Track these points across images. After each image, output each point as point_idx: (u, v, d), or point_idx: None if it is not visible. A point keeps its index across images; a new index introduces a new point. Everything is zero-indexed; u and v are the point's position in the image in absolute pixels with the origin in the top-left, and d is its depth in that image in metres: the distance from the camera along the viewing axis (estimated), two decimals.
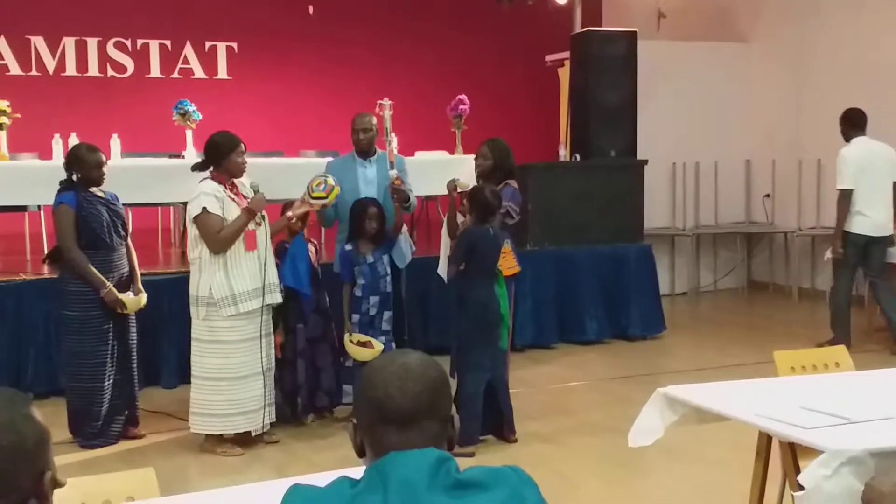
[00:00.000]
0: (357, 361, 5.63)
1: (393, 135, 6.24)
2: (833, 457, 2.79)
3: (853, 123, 7.61)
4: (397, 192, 5.88)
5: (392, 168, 5.96)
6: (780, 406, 3.19)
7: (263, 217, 5.36)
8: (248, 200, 5.25)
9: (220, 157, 5.24)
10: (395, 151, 6.16)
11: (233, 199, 5.22)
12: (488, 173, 5.92)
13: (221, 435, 5.35)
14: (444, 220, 5.84)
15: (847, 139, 7.65)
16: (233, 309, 5.18)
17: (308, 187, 5.57)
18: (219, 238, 5.15)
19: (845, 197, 7.47)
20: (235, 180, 5.33)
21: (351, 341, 5.65)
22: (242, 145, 5.30)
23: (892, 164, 7.56)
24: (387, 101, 6.12)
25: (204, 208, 5.11)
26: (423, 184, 7.45)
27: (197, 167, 5.36)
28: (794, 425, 3.02)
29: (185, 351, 6.77)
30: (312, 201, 5.53)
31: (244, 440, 5.40)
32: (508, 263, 5.70)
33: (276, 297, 5.36)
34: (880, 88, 9.32)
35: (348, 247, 5.80)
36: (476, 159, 6.04)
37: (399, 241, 6.03)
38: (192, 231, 5.24)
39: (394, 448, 1.71)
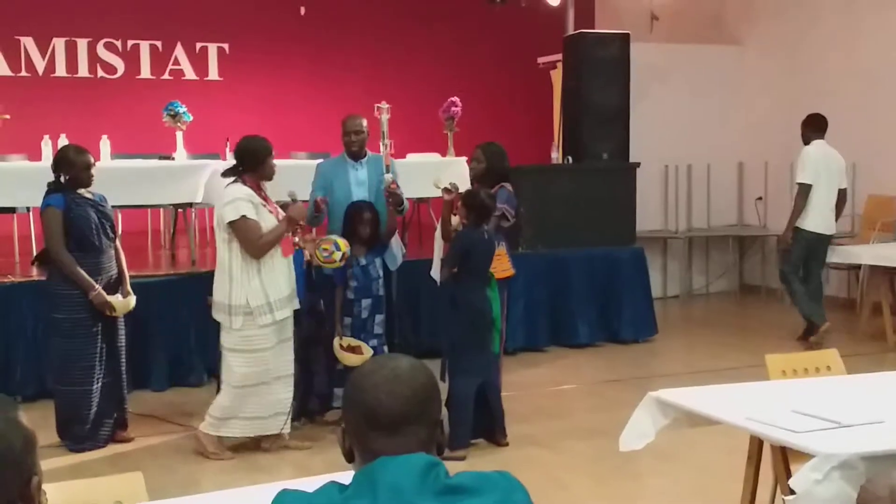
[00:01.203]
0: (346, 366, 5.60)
1: (389, 139, 6.24)
2: (824, 461, 2.79)
3: (816, 127, 8.03)
4: (393, 195, 5.86)
5: (388, 171, 5.95)
6: (771, 410, 3.20)
7: (301, 225, 5.38)
8: (289, 209, 5.23)
9: (258, 162, 5.19)
10: (391, 155, 6.15)
11: (264, 205, 5.19)
12: (481, 176, 5.92)
13: (220, 438, 5.30)
14: (438, 222, 5.83)
15: (807, 141, 8.04)
16: (269, 317, 5.13)
17: (317, 250, 5.48)
18: (260, 244, 5.09)
19: (805, 191, 7.88)
20: (262, 184, 5.28)
21: (341, 345, 5.62)
22: (273, 149, 5.31)
23: (841, 171, 8.02)
24: (385, 105, 6.11)
25: (243, 216, 5.06)
26: (415, 186, 7.43)
27: (230, 172, 5.26)
28: (786, 429, 3.03)
29: (174, 354, 6.81)
30: (322, 264, 5.50)
31: (265, 446, 5.38)
32: (503, 266, 5.69)
33: (296, 303, 5.35)
34: (872, 91, 9.34)
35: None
36: (470, 163, 6.03)
37: (391, 243, 6.02)
38: (221, 235, 5.15)
39: (383, 453, 1.71)
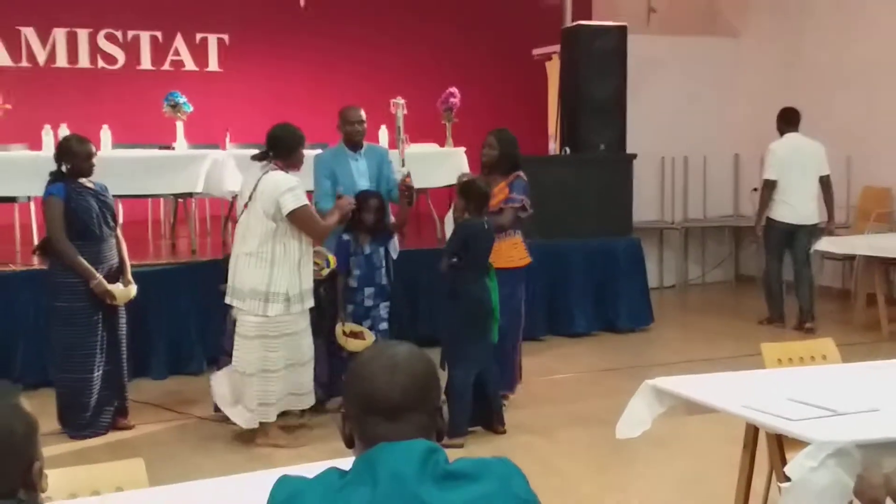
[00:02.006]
0: (348, 352, 5.63)
1: (405, 134, 6.26)
2: (819, 448, 2.81)
3: (788, 121, 8.21)
4: (408, 189, 5.88)
5: (403, 165, 5.97)
6: (766, 398, 3.22)
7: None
8: (339, 201, 5.40)
9: (292, 150, 5.22)
10: (406, 150, 6.18)
11: None
12: (494, 164, 5.91)
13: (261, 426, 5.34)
14: (451, 208, 5.85)
15: (781, 134, 8.21)
16: (299, 306, 5.21)
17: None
18: (323, 228, 5.24)
19: (768, 187, 8.17)
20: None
21: (343, 332, 5.65)
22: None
23: (820, 160, 8.16)
24: (401, 101, 6.13)
25: (305, 204, 5.12)
26: (415, 176, 7.44)
27: (259, 157, 5.29)
28: (781, 417, 3.04)
29: (174, 342, 6.82)
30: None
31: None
32: (520, 254, 5.75)
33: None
34: (867, 83, 9.36)
35: (346, 237, 5.80)
36: (483, 149, 5.99)
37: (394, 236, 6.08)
38: (266, 225, 5.11)
39: (382, 439, 1.72)
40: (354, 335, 5.65)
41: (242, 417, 5.31)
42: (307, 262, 5.26)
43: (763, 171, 8.21)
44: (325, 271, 5.56)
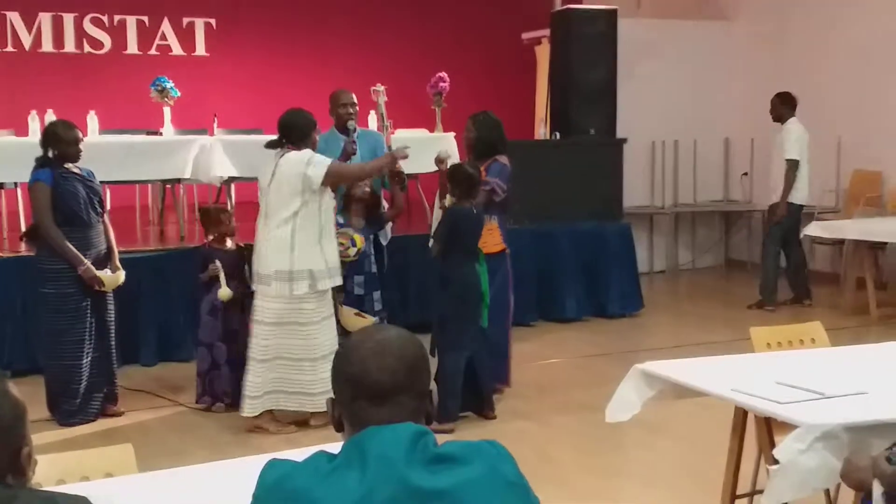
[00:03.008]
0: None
1: (389, 120, 6.22)
2: (808, 431, 2.82)
3: (791, 105, 8.28)
4: (398, 175, 5.87)
5: (389, 151, 5.94)
6: (755, 381, 3.22)
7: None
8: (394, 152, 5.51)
9: (306, 135, 5.21)
10: (392, 135, 6.14)
11: None
12: (471, 147, 5.90)
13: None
14: (437, 194, 5.83)
15: (782, 119, 8.29)
16: (328, 282, 5.21)
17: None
18: (360, 170, 5.41)
19: (794, 167, 8.18)
20: None
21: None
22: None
23: (808, 147, 8.32)
24: (381, 87, 6.09)
25: (332, 161, 5.17)
26: (404, 162, 7.42)
27: (274, 144, 5.26)
28: (770, 400, 3.04)
29: (163, 328, 6.81)
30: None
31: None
32: (494, 241, 5.71)
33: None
34: (858, 66, 9.36)
35: (340, 219, 5.78)
36: (464, 133, 6.00)
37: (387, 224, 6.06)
38: (289, 206, 5.08)
39: (371, 423, 1.72)
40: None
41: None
42: (330, 240, 5.22)
43: (786, 152, 8.18)
44: (352, 251, 5.53)
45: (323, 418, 5.21)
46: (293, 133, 5.20)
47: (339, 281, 5.30)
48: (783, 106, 8.29)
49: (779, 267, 8.47)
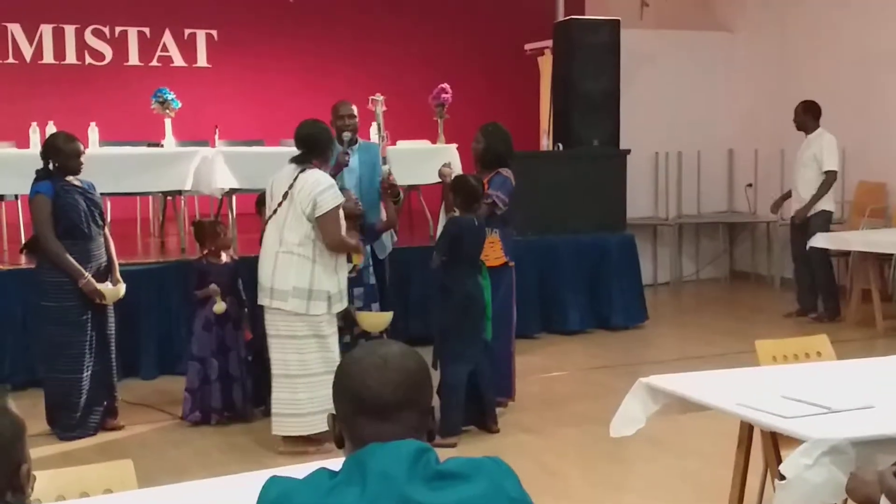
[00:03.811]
0: (359, 335, 5.57)
1: (385, 131, 6.20)
2: (814, 446, 2.79)
3: (816, 115, 8.26)
4: (391, 187, 5.83)
5: (385, 163, 5.91)
6: (761, 395, 3.20)
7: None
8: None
9: (327, 148, 5.16)
10: (387, 146, 6.12)
11: None
12: (479, 158, 5.87)
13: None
14: (442, 207, 5.79)
15: (807, 129, 8.28)
16: (339, 305, 5.14)
17: None
18: (341, 240, 5.09)
19: (833, 178, 8.19)
20: None
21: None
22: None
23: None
24: (380, 97, 6.07)
25: (338, 206, 5.03)
26: (406, 173, 7.42)
27: (300, 160, 5.15)
28: (776, 415, 3.02)
29: (164, 341, 6.78)
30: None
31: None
32: (496, 254, 5.68)
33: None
34: (862, 77, 9.34)
35: None
36: (472, 144, 5.97)
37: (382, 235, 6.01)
38: (306, 223, 5.00)
39: (372, 439, 1.71)
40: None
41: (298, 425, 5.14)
42: (343, 262, 5.20)
43: (827, 163, 8.15)
44: (348, 266, 5.46)
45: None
46: (317, 146, 5.14)
47: (345, 304, 5.24)
48: (807, 115, 8.26)
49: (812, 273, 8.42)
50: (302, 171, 5.06)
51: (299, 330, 5.06)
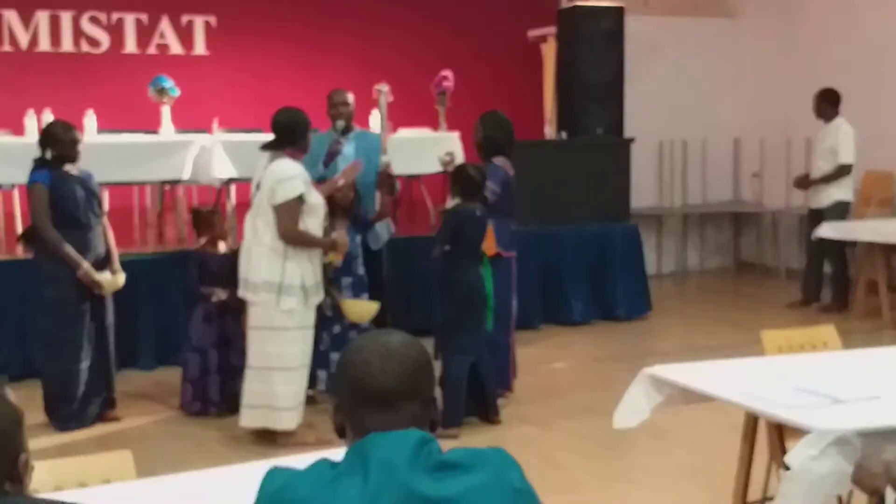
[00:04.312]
0: (346, 326, 5.57)
1: (388, 122, 6.16)
2: (820, 437, 2.78)
3: (834, 102, 8.18)
4: (388, 178, 5.80)
5: (385, 154, 5.87)
6: (766, 386, 3.20)
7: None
8: (338, 238, 5.16)
9: (300, 135, 5.09)
10: (389, 137, 6.08)
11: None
12: (478, 147, 5.85)
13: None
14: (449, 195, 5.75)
15: (826, 117, 8.20)
16: (317, 298, 5.09)
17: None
18: (296, 234, 4.96)
19: (848, 171, 8.16)
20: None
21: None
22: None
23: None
24: (385, 87, 6.03)
25: (301, 195, 4.93)
26: (408, 162, 7.37)
27: (271, 146, 5.12)
28: (781, 405, 3.02)
29: (162, 332, 6.76)
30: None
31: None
32: (486, 244, 5.64)
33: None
34: (869, 65, 9.29)
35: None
36: (473, 133, 5.95)
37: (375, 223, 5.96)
38: (273, 214, 4.96)
39: (374, 429, 1.70)
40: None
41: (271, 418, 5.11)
42: (317, 254, 5.13)
43: (845, 155, 8.11)
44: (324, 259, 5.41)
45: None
46: (290, 134, 5.08)
47: (321, 298, 5.17)
48: (826, 103, 8.19)
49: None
50: (273, 160, 5.03)
51: (277, 322, 5.02)
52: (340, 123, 5.83)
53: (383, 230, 6.06)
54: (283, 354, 5.02)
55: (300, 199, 4.94)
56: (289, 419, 5.08)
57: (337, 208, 5.63)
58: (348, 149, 5.86)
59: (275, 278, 4.96)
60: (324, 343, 5.69)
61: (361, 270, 5.75)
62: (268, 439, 5.13)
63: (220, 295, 5.58)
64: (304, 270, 5.00)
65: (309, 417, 5.35)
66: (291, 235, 4.96)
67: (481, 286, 5.39)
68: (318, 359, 5.70)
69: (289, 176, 4.94)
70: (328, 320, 5.64)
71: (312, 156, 5.82)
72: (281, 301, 4.96)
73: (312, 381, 5.77)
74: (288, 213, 4.94)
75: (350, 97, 5.93)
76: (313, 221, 5.06)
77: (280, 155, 5.04)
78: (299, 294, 4.99)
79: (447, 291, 5.37)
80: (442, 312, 5.43)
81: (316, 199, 5.07)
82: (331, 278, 5.62)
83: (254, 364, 5.11)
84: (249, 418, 5.13)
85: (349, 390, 1.75)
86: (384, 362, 1.73)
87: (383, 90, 6.04)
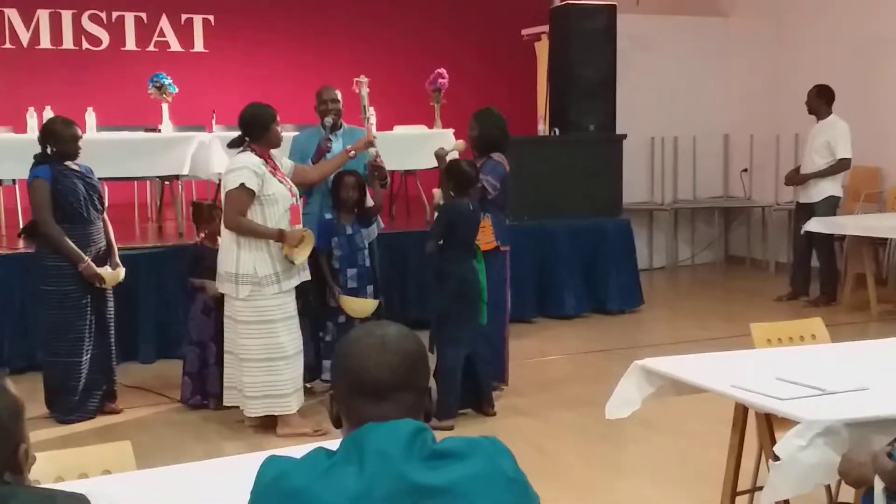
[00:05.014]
0: (351, 317, 5.60)
1: (371, 110, 6.17)
2: (808, 427, 2.80)
3: (828, 99, 8.19)
4: (377, 169, 5.83)
5: (372, 145, 5.89)
6: (756, 378, 3.21)
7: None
8: (287, 234, 5.01)
9: (264, 130, 5.07)
10: (374, 128, 6.10)
11: (272, 173, 5.05)
12: (473, 144, 5.88)
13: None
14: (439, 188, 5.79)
15: (819, 114, 8.22)
16: (276, 287, 5.03)
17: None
18: (240, 222, 4.96)
19: (847, 166, 8.21)
20: (271, 152, 5.17)
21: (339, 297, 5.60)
22: (278, 115, 5.16)
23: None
24: (364, 79, 6.05)
25: (242, 184, 4.92)
26: (403, 158, 7.43)
27: (235, 143, 5.17)
28: (770, 396, 3.03)
29: (162, 326, 6.80)
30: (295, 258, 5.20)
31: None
32: (486, 238, 5.69)
33: (306, 275, 5.25)
34: (857, 63, 9.35)
35: (328, 216, 5.76)
36: (467, 131, 5.97)
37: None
38: None
39: (369, 419, 1.72)
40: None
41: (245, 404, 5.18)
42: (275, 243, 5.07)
43: (842, 150, 8.15)
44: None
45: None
46: (251, 128, 5.09)
47: (294, 283, 5.13)
48: (819, 99, 8.22)
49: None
50: (237, 154, 5.10)
51: (241, 314, 5.07)
52: (328, 120, 5.82)
53: (373, 225, 6.09)
54: (243, 344, 5.09)
55: (246, 190, 4.93)
56: (252, 407, 5.14)
57: (341, 203, 5.70)
58: (337, 146, 5.85)
59: (231, 268, 5.03)
60: (329, 333, 5.76)
61: (368, 262, 5.80)
62: (268, 428, 5.20)
63: (209, 286, 5.58)
64: (258, 260, 4.99)
65: (315, 407, 5.44)
66: (234, 225, 5.01)
67: (475, 279, 5.42)
68: (324, 349, 5.77)
69: (236, 167, 4.99)
70: (333, 311, 5.69)
71: (301, 152, 5.88)
72: (239, 290, 5.02)
73: (317, 372, 5.85)
74: (232, 203, 4.98)
75: (339, 94, 5.94)
76: (273, 211, 5.03)
77: (245, 149, 5.09)
78: (253, 283, 4.99)
79: (442, 285, 5.40)
80: (437, 306, 5.46)
81: (276, 189, 5.03)
82: (335, 269, 5.70)
83: (226, 348, 5.24)
84: (226, 399, 5.29)
85: (345, 381, 1.77)
86: (379, 354, 1.74)
87: (363, 81, 6.06)
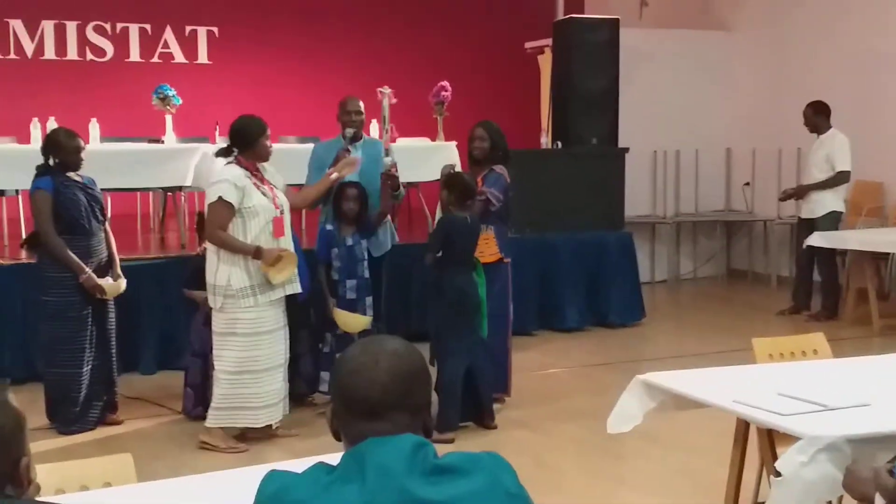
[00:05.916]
0: (344, 331, 5.59)
1: (391, 124, 6.19)
2: (810, 443, 2.80)
3: (825, 114, 8.25)
4: (391, 179, 5.82)
5: (388, 155, 5.90)
6: (757, 393, 3.20)
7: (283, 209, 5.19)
8: (264, 252, 4.95)
9: (251, 142, 5.07)
10: (392, 140, 6.11)
11: (257, 186, 5.04)
12: (486, 155, 5.84)
13: (223, 429, 5.18)
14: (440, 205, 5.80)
15: (818, 130, 8.26)
16: (251, 300, 5.00)
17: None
18: (218, 235, 4.98)
19: (845, 178, 8.19)
20: (260, 165, 5.16)
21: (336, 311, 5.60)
22: (268, 129, 5.16)
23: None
24: (387, 90, 6.05)
25: (220, 197, 4.93)
26: (406, 170, 7.38)
27: (222, 153, 5.18)
28: (772, 412, 3.03)
29: (163, 337, 6.80)
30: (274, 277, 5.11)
31: (251, 436, 5.27)
32: (490, 250, 5.69)
33: (296, 287, 5.21)
34: (858, 77, 9.36)
35: (329, 227, 5.76)
36: (473, 142, 5.88)
37: (378, 229, 5.99)
38: None
39: (363, 437, 1.72)
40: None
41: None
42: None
43: (841, 163, 8.17)
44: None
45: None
46: (239, 140, 5.09)
47: (273, 297, 5.06)
48: (817, 116, 8.26)
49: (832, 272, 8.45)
50: (223, 166, 5.10)
51: (216, 325, 5.09)
52: (350, 132, 5.81)
53: (385, 236, 6.07)
54: (217, 355, 5.11)
55: (225, 203, 4.94)
56: (213, 417, 5.14)
57: (342, 215, 5.70)
58: (356, 156, 5.88)
59: (211, 279, 5.05)
60: (328, 345, 5.75)
61: (367, 274, 5.77)
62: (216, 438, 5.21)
63: (198, 297, 5.56)
64: (233, 272, 4.98)
65: (310, 419, 5.44)
66: (212, 237, 5.05)
67: (473, 292, 5.41)
68: (323, 360, 5.76)
69: (217, 180, 5.01)
70: (332, 322, 5.66)
71: (319, 162, 5.88)
72: (216, 301, 5.03)
73: (316, 383, 5.84)
74: (212, 214, 5.01)
75: (363, 105, 5.92)
76: (254, 223, 5.01)
77: (232, 160, 5.09)
78: (223, 297, 4.99)
79: (439, 298, 5.41)
80: (435, 318, 5.47)
81: (257, 202, 5.01)
82: (335, 280, 5.69)
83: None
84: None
85: (339, 398, 1.77)
86: (371, 373, 1.73)
87: (386, 92, 6.07)
